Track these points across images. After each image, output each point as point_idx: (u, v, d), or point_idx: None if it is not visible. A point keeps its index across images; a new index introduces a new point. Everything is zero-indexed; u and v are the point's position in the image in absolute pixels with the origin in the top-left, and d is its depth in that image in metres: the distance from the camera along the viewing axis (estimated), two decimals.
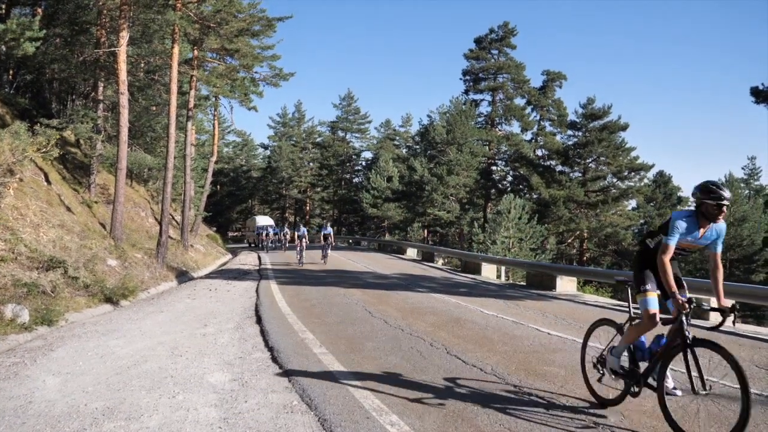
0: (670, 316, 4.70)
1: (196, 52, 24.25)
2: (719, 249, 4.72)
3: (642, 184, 39.76)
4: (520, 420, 4.93)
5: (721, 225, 4.64)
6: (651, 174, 40.90)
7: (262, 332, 9.07)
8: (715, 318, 9.55)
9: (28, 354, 7.44)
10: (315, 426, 4.85)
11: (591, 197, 37.67)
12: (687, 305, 4.46)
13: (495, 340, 8.28)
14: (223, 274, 21.00)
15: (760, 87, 15.06)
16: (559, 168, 40.92)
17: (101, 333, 8.97)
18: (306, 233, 23.71)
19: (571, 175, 39.93)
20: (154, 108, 25.85)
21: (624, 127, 37.71)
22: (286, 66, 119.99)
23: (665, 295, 4.78)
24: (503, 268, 21.94)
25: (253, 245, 46.74)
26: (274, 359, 7.24)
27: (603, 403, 5.19)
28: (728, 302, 4.52)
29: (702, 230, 4.64)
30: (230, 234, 66.85)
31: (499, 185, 47.22)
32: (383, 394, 5.64)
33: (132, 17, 18.18)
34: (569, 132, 41.46)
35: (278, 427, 4.82)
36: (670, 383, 4.76)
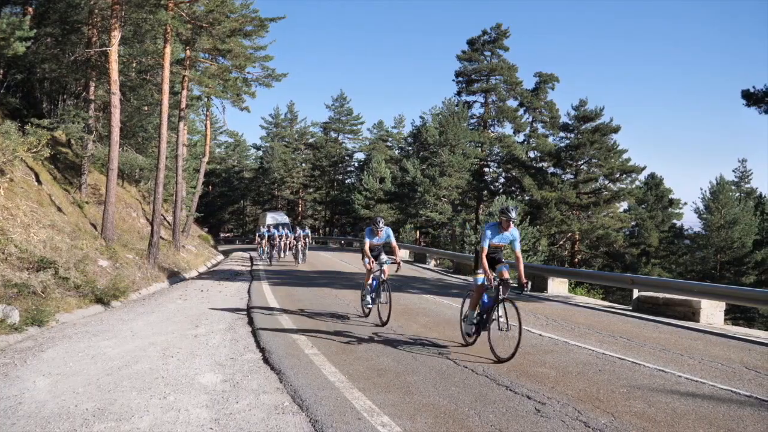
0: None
1: (188, 52, 24.17)
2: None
3: (634, 186, 39.81)
4: (511, 421, 4.94)
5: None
6: (643, 176, 40.95)
7: (254, 333, 9.05)
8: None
9: (18, 355, 7.39)
10: (306, 427, 4.85)
11: (583, 199, 37.75)
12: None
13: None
14: (214, 274, 20.93)
15: (752, 90, 15.12)
16: (551, 170, 41.00)
17: (92, 334, 8.92)
18: (393, 237, 10.45)
19: (563, 176, 40.00)
20: (145, 108, 25.71)
21: (616, 130, 37.83)
22: (279, 67, 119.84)
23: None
24: None
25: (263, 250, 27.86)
26: (266, 360, 7.23)
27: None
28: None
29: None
30: (222, 235, 66.61)
31: (492, 187, 47.27)
32: (375, 395, 5.64)
33: (123, 17, 18.08)
34: (561, 134, 41.55)
35: (269, 428, 4.81)
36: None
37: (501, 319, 7.24)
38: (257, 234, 27.74)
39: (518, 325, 6.91)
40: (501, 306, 7.32)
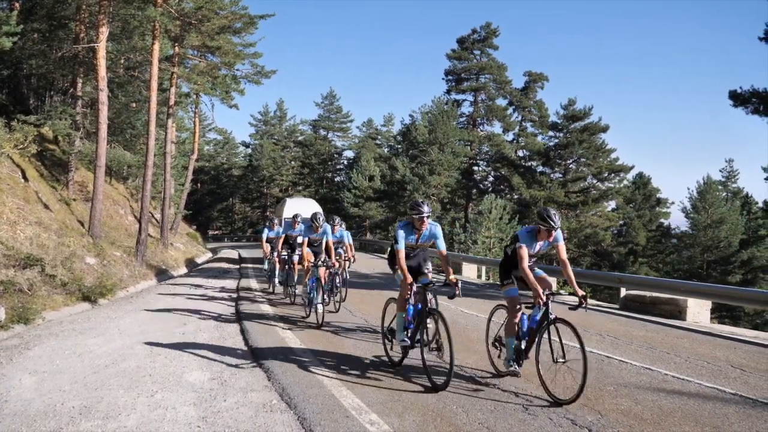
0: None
1: (176, 48, 24.01)
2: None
3: (622, 185, 40.07)
4: (499, 419, 4.96)
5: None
6: (631, 175, 41.22)
7: (242, 331, 9.03)
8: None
9: (3, 353, 7.33)
10: (294, 425, 4.84)
11: (571, 198, 37.92)
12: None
13: (474, 340, 8.33)
14: (203, 272, 20.84)
15: (739, 90, 15.24)
16: (540, 169, 41.15)
17: (79, 331, 8.86)
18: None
19: (551, 175, 40.16)
20: (133, 105, 25.53)
21: (604, 129, 38.02)
22: (269, 64, 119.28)
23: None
24: (484, 268, 22.02)
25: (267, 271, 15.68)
26: (254, 358, 7.22)
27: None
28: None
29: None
30: (211, 232, 66.25)
31: (481, 185, 47.40)
32: (363, 393, 5.64)
33: (112, 13, 17.93)
34: (550, 133, 41.69)
35: (257, 426, 4.80)
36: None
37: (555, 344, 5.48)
38: (264, 235, 15.30)
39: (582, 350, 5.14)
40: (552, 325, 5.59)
